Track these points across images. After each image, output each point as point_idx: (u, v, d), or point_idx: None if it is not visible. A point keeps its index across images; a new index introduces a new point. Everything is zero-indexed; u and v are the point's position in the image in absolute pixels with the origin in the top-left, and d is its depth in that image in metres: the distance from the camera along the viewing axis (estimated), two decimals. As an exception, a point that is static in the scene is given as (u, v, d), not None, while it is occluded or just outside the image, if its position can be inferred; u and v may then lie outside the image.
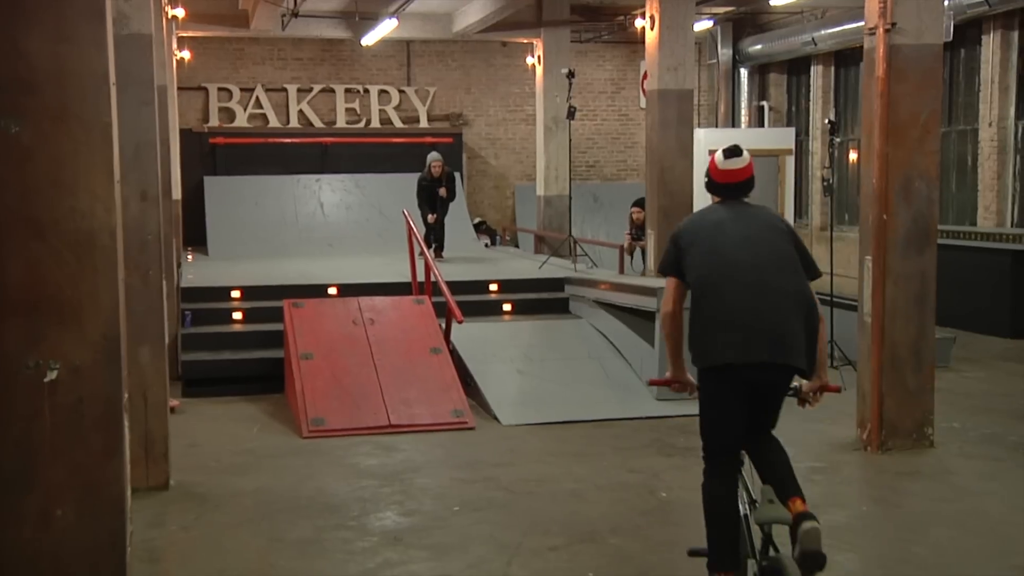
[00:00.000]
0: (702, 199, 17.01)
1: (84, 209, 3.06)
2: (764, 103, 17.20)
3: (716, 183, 4.53)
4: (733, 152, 4.52)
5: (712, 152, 15.36)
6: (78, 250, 3.06)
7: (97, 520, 3.10)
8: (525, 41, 15.67)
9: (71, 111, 3.05)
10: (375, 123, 17.28)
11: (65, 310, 3.07)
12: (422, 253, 10.26)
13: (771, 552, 4.00)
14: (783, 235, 4.29)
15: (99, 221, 3.06)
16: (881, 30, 6.90)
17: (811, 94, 16.24)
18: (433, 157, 13.18)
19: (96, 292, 3.07)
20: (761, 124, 17.21)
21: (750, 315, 4.04)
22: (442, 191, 13.01)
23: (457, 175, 14.56)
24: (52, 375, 3.08)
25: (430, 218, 13.00)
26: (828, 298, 10.18)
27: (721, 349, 4.06)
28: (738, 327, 4.05)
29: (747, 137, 16.69)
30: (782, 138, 16.60)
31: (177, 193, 12.74)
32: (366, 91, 17.30)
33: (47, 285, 3.07)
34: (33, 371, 3.08)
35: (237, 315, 10.13)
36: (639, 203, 11.99)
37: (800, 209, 16.65)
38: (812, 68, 16.10)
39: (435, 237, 12.97)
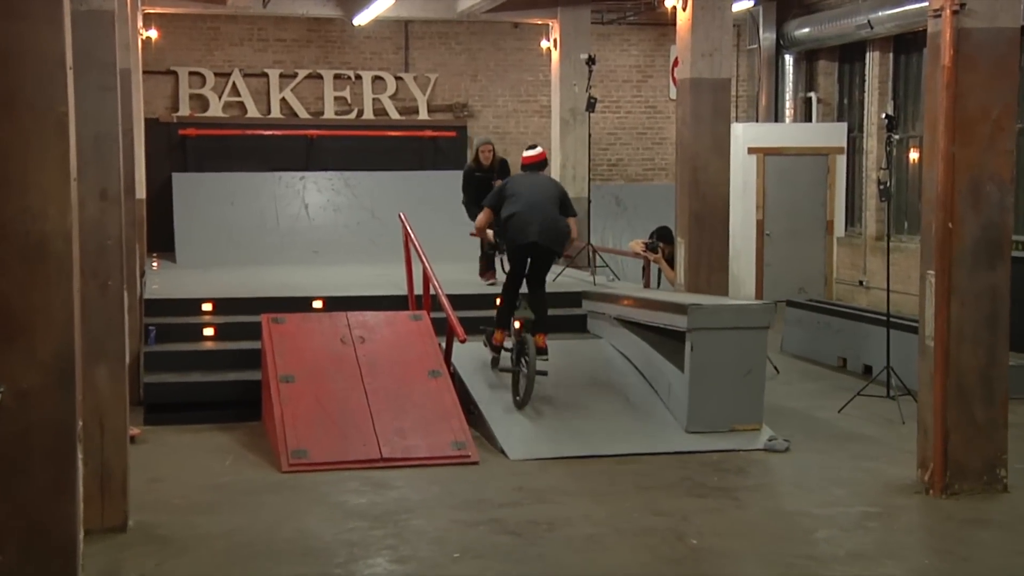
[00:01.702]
0: (739, 202, 17.14)
1: (35, 210, 3.06)
2: (812, 94, 17.17)
3: (522, 164, 9.49)
4: (531, 147, 9.61)
5: (751, 149, 15.34)
6: (28, 256, 3.06)
7: (43, 567, 3.09)
8: (539, 22, 15.68)
9: (21, 98, 3.05)
10: (368, 114, 17.30)
11: (12, 325, 3.07)
12: (421, 260, 10.23)
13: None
14: (554, 190, 9.22)
15: (52, 224, 3.06)
16: (948, 11, 6.89)
17: (866, 85, 16.21)
18: (481, 140, 11.89)
19: (48, 305, 3.07)
20: (808, 119, 17.18)
21: (535, 224, 8.88)
22: (498, 182, 10.49)
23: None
24: (-5, 399, 3.08)
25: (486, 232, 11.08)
26: (884, 317, 10.16)
27: (522, 237, 8.89)
28: (529, 227, 8.87)
29: (792, 133, 16.70)
30: (832, 135, 16.58)
31: (141, 192, 12.75)
32: (358, 77, 17.32)
33: (-9, 296, 3.07)
34: (-26, 395, 3.08)
35: (208, 331, 10.13)
36: (664, 237, 11.88)
37: (852, 216, 16.61)
38: (867, 55, 16.07)
39: (491, 247, 10.65)
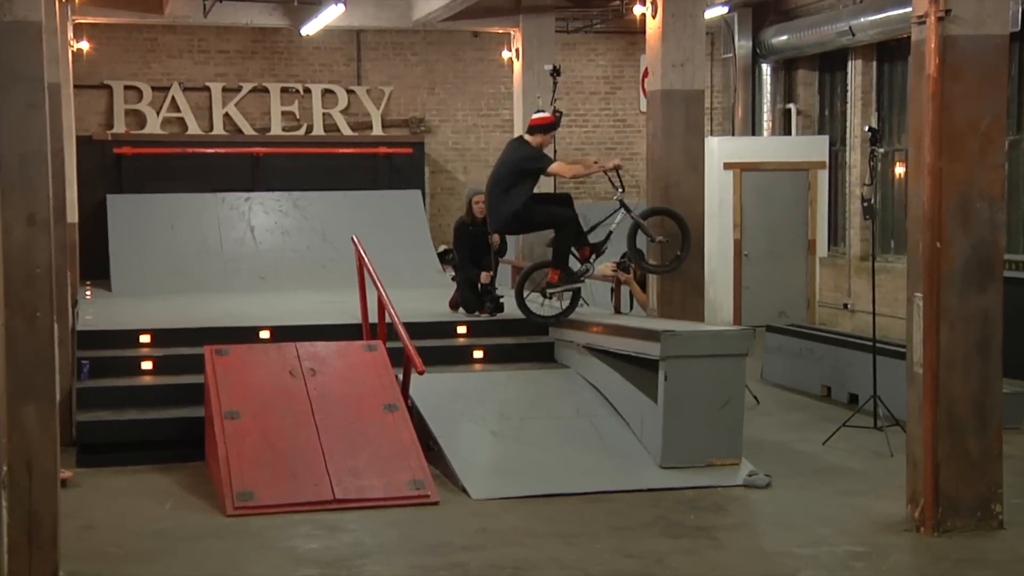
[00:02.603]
0: (715, 221, 17.27)
1: (-45, 237, 3.03)
2: (791, 106, 17.34)
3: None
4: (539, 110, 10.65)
5: (727, 164, 15.47)
6: (-54, 288, 3.03)
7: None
8: (500, 31, 15.75)
9: (-60, 116, 3.03)
10: (318, 130, 17.31)
11: (-71, 362, 3.03)
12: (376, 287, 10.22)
13: None
14: (501, 167, 10.16)
15: (-27, 252, 3.03)
16: (933, 18, 6.97)
17: (848, 95, 16.39)
18: (472, 191, 11.79)
19: (-32, 340, 3.03)
20: (788, 131, 17.34)
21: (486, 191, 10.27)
22: (494, 238, 11.46)
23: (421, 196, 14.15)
24: (-88, 443, 3.03)
25: (484, 277, 11.52)
26: (870, 343, 10.23)
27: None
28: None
29: (771, 147, 16.86)
30: (813, 148, 16.74)
31: (73, 215, 12.70)
32: (307, 91, 17.34)
33: (-93, 331, 3.03)
34: None
35: (146, 364, 10.06)
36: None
37: (835, 234, 16.77)
38: (849, 64, 16.25)
39: (490, 299, 11.43)
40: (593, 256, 10.42)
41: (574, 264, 10.35)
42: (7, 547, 3.18)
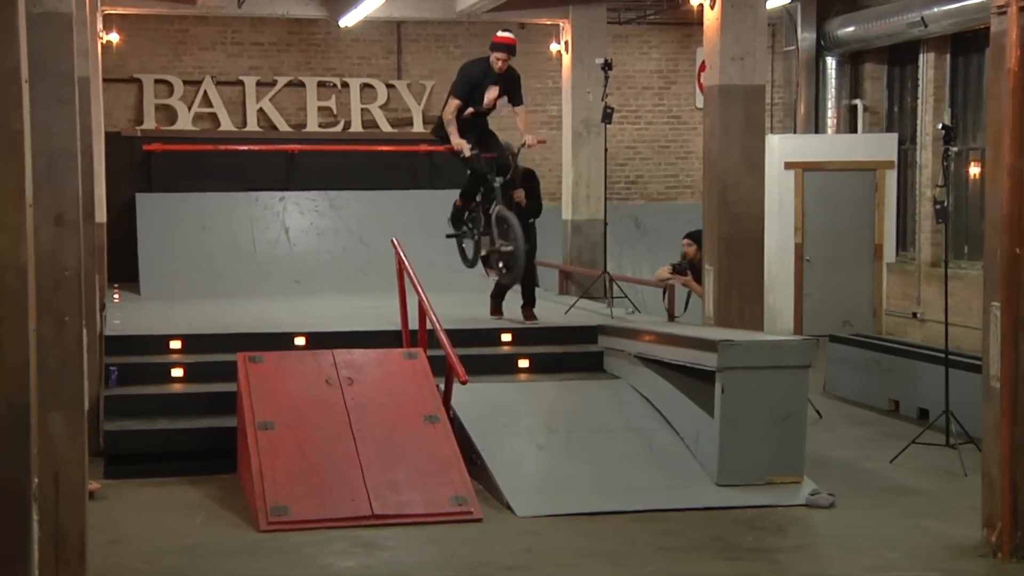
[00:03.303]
0: (775, 224, 17.12)
1: (-15, 240, 3.08)
2: (857, 101, 17.23)
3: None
4: (504, 30, 10.74)
5: (788, 164, 15.42)
6: (-24, 292, 3.08)
7: (-6, 644, 3.09)
8: (549, 23, 15.76)
9: (-30, 114, 3.08)
10: (356, 126, 17.38)
11: (-42, 370, 3.08)
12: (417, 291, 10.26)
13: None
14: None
15: (4, 256, 3.08)
16: (1014, 7, 6.90)
17: (919, 91, 16.26)
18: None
19: (-1, 347, 3.08)
20: (853, 129, 17.23)
21: None
22: (518, 195, 11.47)
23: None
24: (-60, 454, 3.09)
25: (518, 196, 11.41)
26: (942, 355, 10.15)
27: None
28: None
29: (835, 146, 16.76)
30: (881, 147, 16.62)
31: (101, 215, 12.81)
32: (345, 85, 17.42)
33: (-64, 337, 3.08)
34: (-85, 448, 3.09)
35: (177, 372, 10.15)
36: (693, 236, 11.96)
37: (904, 239, 16.64)
38: (921, 57, 16.13)
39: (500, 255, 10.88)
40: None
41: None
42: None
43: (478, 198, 11.02)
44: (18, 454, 3.07)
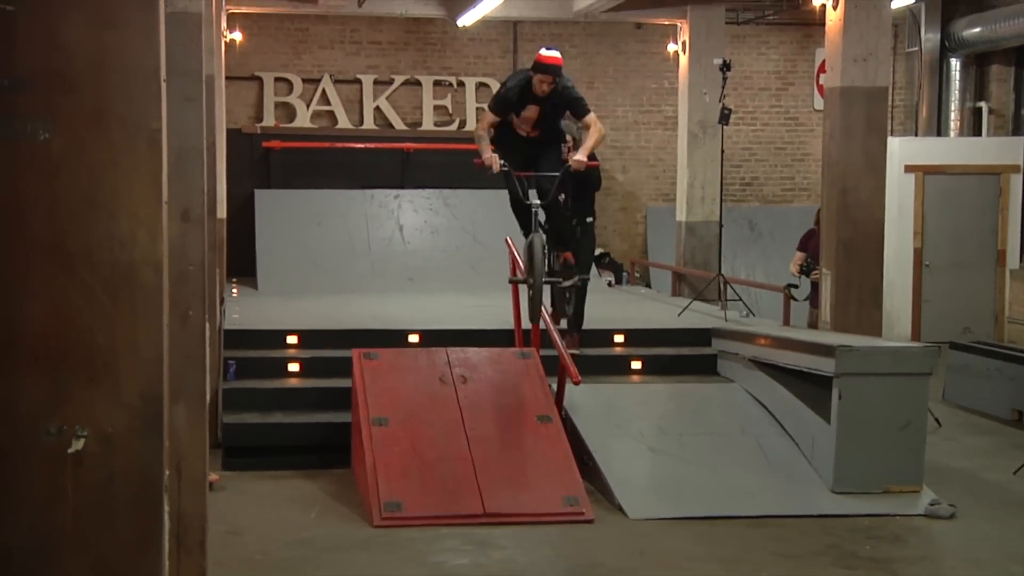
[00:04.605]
0: (895, 228, 16.88)
1: (124, 236, 3.15)
2: (982, 104, 16.89)
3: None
4: (549, 48, 9.35)
5: (909, 167, 15.10)
6: (115, 287, 3.15)
7: (128, 633, 3.17)
8: (666, 23, 15.70)
9: (112, 113, 3.16)
10: (471, 125, 17.44)
11: (97, 363, 3.16)
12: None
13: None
14: None
15: (142, 251, 3.15)
16: None
17: (1046, 93, 15.92)
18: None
19: (135, 340, 3.16)
20: (978, 132, 16.89)
21: None
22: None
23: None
24: (78, 444, 3.17)
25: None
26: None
27: None
28: None
29: (958, 149, 16.44)
30: (1006, 150, 16.27)
31: (222, 211, 13.04)
32: (461, 84, 17.53)
33: (76, 331, 3.16)
34: (55, 439, 3.18)
35: (293, 367, 10.30)
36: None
37: (1028, 245, 16.27)
38: (1048, 59, 15.78)
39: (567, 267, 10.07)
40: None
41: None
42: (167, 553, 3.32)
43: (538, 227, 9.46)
44: (152, 445, 3.15)
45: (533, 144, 9.55)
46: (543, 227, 9.51)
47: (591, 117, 9.42)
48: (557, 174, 9.30)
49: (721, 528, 7.89)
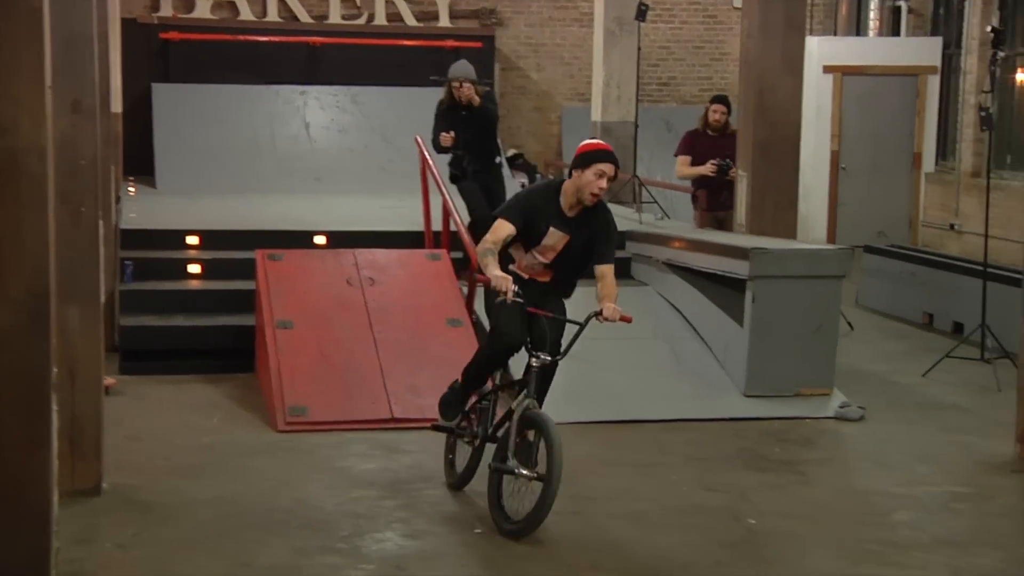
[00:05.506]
0: (812, 131, 16.86)
1: (5, 122, 3.06)
2: (901, 3, 16.98)
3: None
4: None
5: (827, 67, 14.94)
6: (-4, 176, 3.07)
7: (15, 533, 3.13)
8: (583, -87, 15.54)
9: (-11, -9, 3.05)
10: (380, 19, 17.22)
11: (-22, 256, 3.09)
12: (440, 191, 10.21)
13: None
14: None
15: (25, 138, 3.07)
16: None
17: (965, -8, 16.01)
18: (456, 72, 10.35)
19: (19, 234, 3.08)
20: (896, 32, 17.00)
21: None
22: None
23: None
24: (-40, 341, 3.11)
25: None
26: (980, 268, 10.10)
27: None
28: None
29: (877, 49, 16.54)
30: (924, 51, 16.40)
31: (117, 105, 12.77)
32: (369, -25, 17.24)
33: (-45, 222, 3.09)
34: (-65, 335, 3.11)
35: (194, 268, 10.19)
36: (721, 100, 11.42)
37: (945, 147, 16.47)
38: (968, -43, 15.86)
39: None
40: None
41: None
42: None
43: (494, 380, 7.12)
44: (38, 343, 3.09)
45: (543, 288, 6.75)
46: (528, 387, 6.50)
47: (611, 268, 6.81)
48: (579, 322, 6.53)
49: (634, 432, 7.97)
